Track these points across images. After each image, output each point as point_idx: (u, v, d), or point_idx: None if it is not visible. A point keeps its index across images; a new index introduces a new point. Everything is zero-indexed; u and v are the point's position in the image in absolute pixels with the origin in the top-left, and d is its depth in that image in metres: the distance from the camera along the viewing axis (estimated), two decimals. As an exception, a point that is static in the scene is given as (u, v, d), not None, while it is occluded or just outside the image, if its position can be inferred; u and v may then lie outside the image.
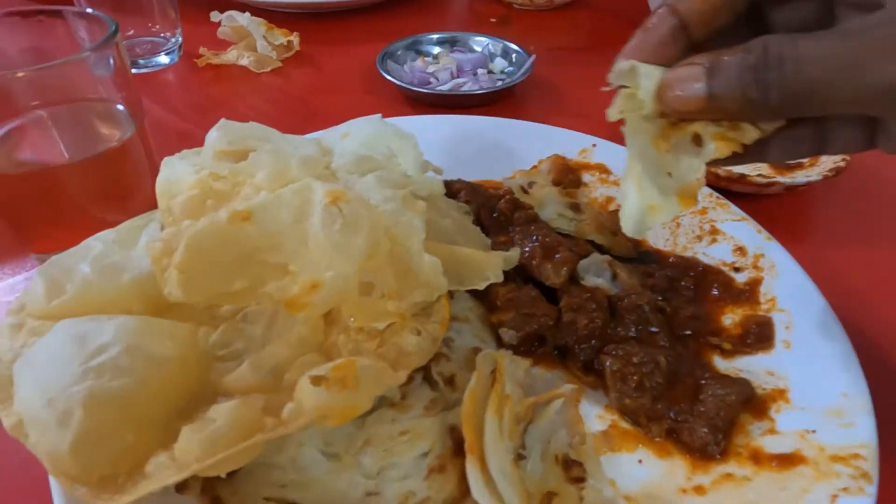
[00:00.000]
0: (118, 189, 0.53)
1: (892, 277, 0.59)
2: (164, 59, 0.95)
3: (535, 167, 0.66)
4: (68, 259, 0.42)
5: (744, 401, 0.43)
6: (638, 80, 0.34)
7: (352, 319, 0.39)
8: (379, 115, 0.56)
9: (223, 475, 0.34)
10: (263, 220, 0.39)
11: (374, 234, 0.41)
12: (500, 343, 0.47)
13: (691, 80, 0.32)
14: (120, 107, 0.52)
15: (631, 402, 0.43)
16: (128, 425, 0.34)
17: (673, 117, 0.35)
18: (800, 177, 0.65)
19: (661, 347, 0.46)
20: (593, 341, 0.46)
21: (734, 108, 0.32)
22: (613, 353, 0.44)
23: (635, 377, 0.43)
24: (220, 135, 0.45)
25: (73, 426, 0.33)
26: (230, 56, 0.96)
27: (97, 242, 0.44)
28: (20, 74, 0.44)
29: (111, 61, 0.50)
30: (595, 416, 0.44)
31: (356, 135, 0.54)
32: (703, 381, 0.44)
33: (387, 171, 0.50)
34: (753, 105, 0.32)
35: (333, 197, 0.40)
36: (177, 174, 0.43)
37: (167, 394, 0.37)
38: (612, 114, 0.36)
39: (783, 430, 0.41)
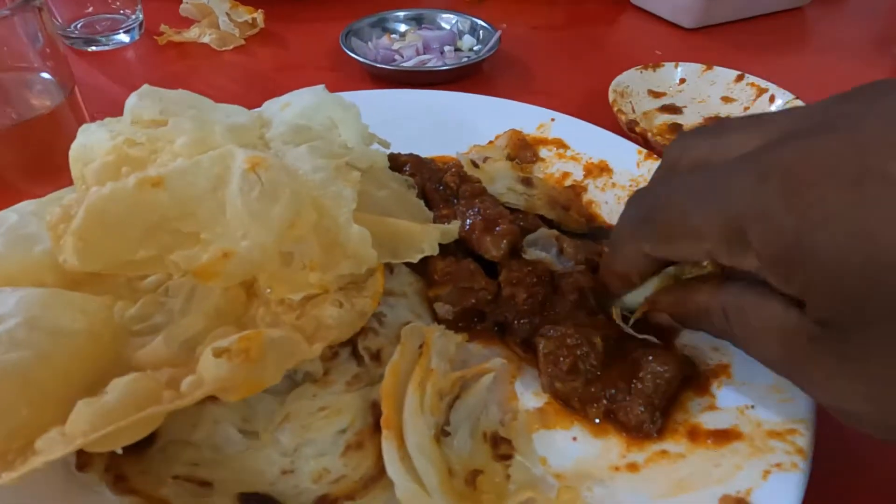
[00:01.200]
0: (47, 161, 0.51)
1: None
2: (124, 37, 0.92)
3: (491, 142, 0.64)
4: (-21, 230, 0.41)
5: (683, 378, 0.41)
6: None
7: (268, 290, 0.38)
8: (322, 86, 0.54)
9: (119, 451, 0.33)
10: (177, 187, 0.37)
11: (296, 202, 0.39)
12: (438, 319, 0.45)
13: (669, 322, 0.42)
14: (47, 75, 0.50)
15: (562, 385, 0.41)
16: (21, 400, 0.32)
17: None
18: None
19: (600, 327, 0.44)
20: (534, 318, 0.44)
21: None
22: (548, 334, 0.42)
23: (568, 359, 0.41)
24: (140, 101, 0.43)
25: (-39, 400, 0.31)
26: (192, 34, 0.93)
27: (12, 213, 0.42)
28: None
29: (35, 26, 0.48)
30: (532, 393, 0.42)
31: (296, 105, 0.52)
32: (642, 360, 0.42)
33: (324, 141, 0.48)
34: None
35: (252, 163, 0.38)
36: (92, 140, 0.41)
37: (72, 369, 0.35)
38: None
39: (722, 405, 0.40)
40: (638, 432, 0.39)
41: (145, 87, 0.44)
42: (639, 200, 0.39)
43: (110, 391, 0.31)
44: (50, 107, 0.50)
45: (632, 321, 0.43)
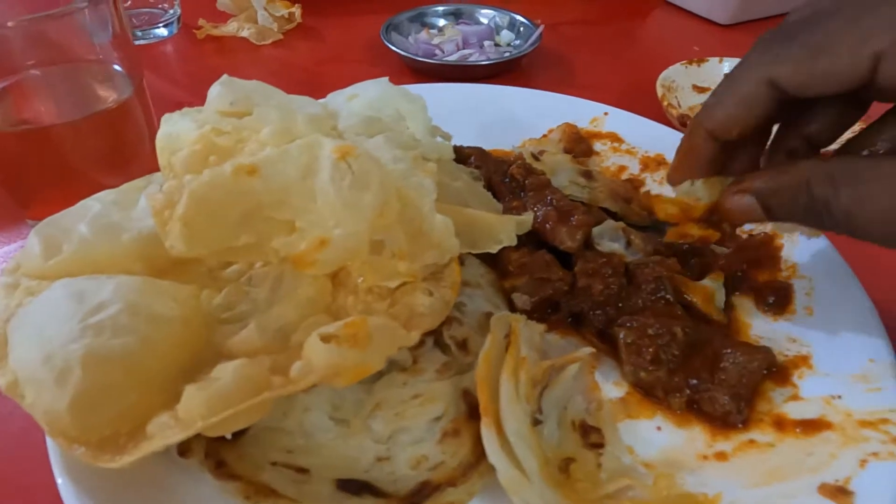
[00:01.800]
0: (116, 152, 0.51)
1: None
2: (162, 30, 0.92)
3: (545, 136, 0.64)
4: (65, 219, 0.41)
5: (766, 368, 0.41)
6: (697, 191, 0.42)
7: (361, 279, 0.38)
8: (386, 78, 0.54)
9: (228, 437, 0.33)
10: (270, 175, 0.38)
11: (384, 191, 0.39)
12: (513, 309, 0.45)
13: (750, 211, 0.37)
14: (117, 67, 0.51)
15: (647, 375, 0.41)
16: (129, 385, 0.33)
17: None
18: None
19: (678, 318, 0.44)
20: (609, 308, 0.45)
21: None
22: (628, 324, 0.43)
23: (651, 349, 0.41)
24: (223, 91, 0.43)
25: (71, 385, 0.31)
26: (230, 28, 0.93)
27: (95, 203, 0.42)
28: (11, 24, 0.42)
29: (107, 20, 0.48)
30: (612, 383, 0.43)
31: (363, 97, 0.52)
32: (723, 351, 0.42)
33: (395, 132, 0.49)
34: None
35: (343, 152, 0.38)
36: (178, 130, 0.41)
37: (170, 354, 0.35)
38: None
39: (807, 395, 0.40)
40: (724, 423, 0.39)
41: (225, 77, 0.44)
42: (773, 31, 0.35)
43: (221, 376, 0.32)
44: (119, 98, 0.50)
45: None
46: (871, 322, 0.42)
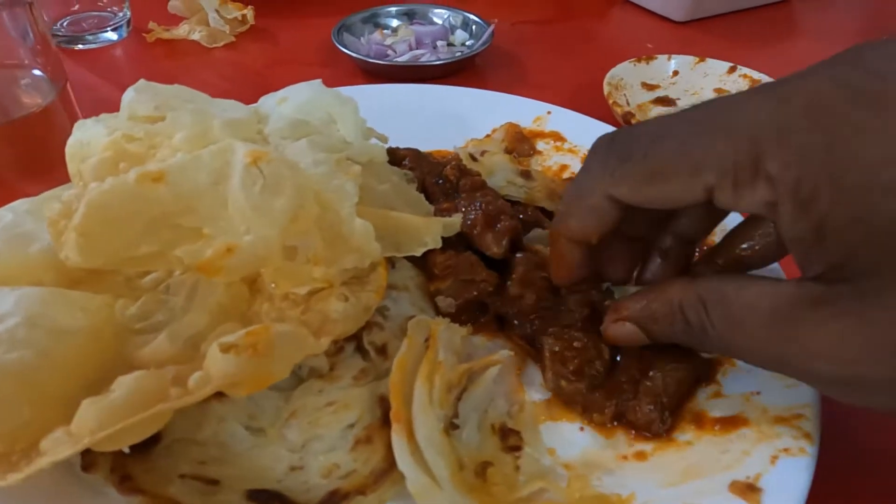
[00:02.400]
0: (38, 159, 0.50)
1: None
2: (111, 34, 0.91)
3: (488, 136, 0.64)
4: (-26, 229, 0.40)
5: (696, 377, 0.40)
6: None
7: (273, 285, 0.37)
8: (319, 81, 0.53)
9: (126, 450, 0.32)
10: (178, 181, 0.37)
11: (299, 196, 0.38)
12: (440, 312, 0.45)
13: (633, 337, 0.38)
14: (38, 72, 0.49)
15: (567, 384, 0.40)
16: (23, 400, 0.32)
17: None
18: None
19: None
20: (536, 321, 0.44)
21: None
22: (556, 333, 0.42)
23: (575, 361, 0.40)
24: (137, 96, 0.42)
25: (-39, 401, 0.31)
26: (181, 31, 0.92)
27: (7, 212, 0.42)
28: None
29: (25, 23, 0.47)
30: (539, 384, 0.42)
31: (293, 100, 0.51)
32: (654, 358, 0.40)
33: (322, 136, 0.48)
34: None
35: (254, 157, 0.38)
36: (89, 136, 0.40)
37: (74, 368, 0.34)
38: None
39: (728, 393, 0.40)
40: (647, 432, 0.38)
41: (141, 81, 0.44)
42: (610, 140, 0.34)
43: (116, 389, 0.31)
44: (42, 104, 0.49)
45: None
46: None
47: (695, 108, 0.31)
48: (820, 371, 0.29)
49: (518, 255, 0.45)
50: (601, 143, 0.35)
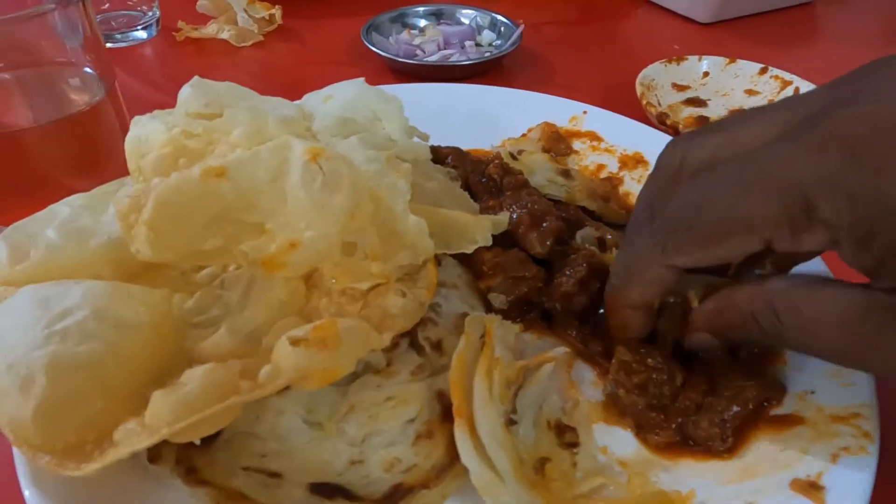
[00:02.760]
0: (89, 156, 0.50)
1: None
2: (141, 33, 0.91)
3: (524, 135, 0.64)
4: (33, 224, 0.40)
5: (763, 399, 0.39)
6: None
7: (333, 281, 0.37)
8: (362, 79, 0.54)
9: (197, 443, 0.32)
10: (239, 177, 0.37)
11: (356, 193, 0.39)
12: (490, 309, 0.45)
13: (712, 345, 0.38)
14: (88, 70, 0.50)
15: (625, 395, 0.39)
16: (94, 392, 0.32)
17: None
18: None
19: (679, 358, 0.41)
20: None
21: None
22: (632, 346, 0.41)
23: (642, 375, 0.39)
24: (193, 93, 0.43)
25: (35, 393, 0.31)
26: (210, 30, 0.93)
27: (64, 207, 0.42)
28: (-22, 28, 0.41)
29: (77, 22, 0.47)
30: (590, 383, 0.42)
31: (339, 98, 0.52)
32: (721, 379, 0.40)
33: (370, 133, 0.48)
34: None
35: (313, 154, 0.38)
36: (147, 132, 0.41)
37: (139, 360, 0.35)
38: None
39: (781, 392, 0.40)
40: (707, 448, 0.38)
41: (196, 78, 0.44)
42: (650, 215, 0.36)
43: (188, 382, 0.31)
44: (91, 102, 0.49)
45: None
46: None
47: (727, 167, 0.32)
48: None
49: (581, 253, 0.45)
50: (640, 220, 0.37)
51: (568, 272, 0.44)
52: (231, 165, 0.37)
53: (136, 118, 0.42)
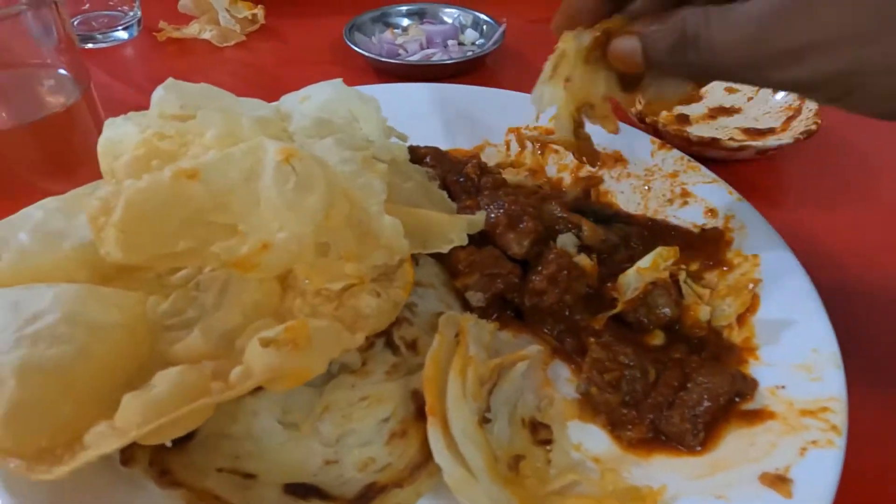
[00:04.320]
0: (64, 159, 0.50)
1: (861, 236, 0.58)
2: (122, 33, 0.91)
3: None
4: (5, 227, 0.40)
5: (734, 394, 0.39)
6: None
7: (307, 281, 0.38)
8: (340, 80, 0.54)
9: (168, 444, 0.33)
10: (211, 179, 0.37)
11: (330, 193, 0.39)
12: (467, 308, 0.46)
13: (631, 55, 0.40)
14: (63, 72, 0.50)
15: (598, 393, 0.40)
16: (65, 396, 0.32)
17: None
18: (771, 140, 0.65)
19: (652, 354, 0.43)
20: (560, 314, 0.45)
21: (666, 71, 0.41)
22: (604, 343, 0.42)
23: (615, 373, 0.40)
24: (167, 95, 0.43)
25: (4, 397, 0.31)
26: (192, 30, 0.92)
27: (38, 210, 0.42)
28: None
29: (50, 23, 0.47)
30: (565, 380, 0.43)
31: (316, 98, 0.52)
32: (693, 375, 0.40)
33: (346, 134, 0.48)
34: (679, 71, 0.40)
35: (286, 154, 0.38)
36: (121, 134, 0.41)
37: (111, 363, 0.35)
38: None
39: (753, 386, 0.40)
40: (680, 444, 0.38)
41: (170, 80, 0.44)
42: None
43: (158, 384, 0.31)
44: (66, 103, 0.49)
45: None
46: (816, 313, 0.43)
47: None
48: (817, 64, 0.32)
49: (553, 252, 0.45)
50: None
51: (539, 269, 0.44)
52: (203, 167, 0.37)
53: (110, 120, 0.42)
